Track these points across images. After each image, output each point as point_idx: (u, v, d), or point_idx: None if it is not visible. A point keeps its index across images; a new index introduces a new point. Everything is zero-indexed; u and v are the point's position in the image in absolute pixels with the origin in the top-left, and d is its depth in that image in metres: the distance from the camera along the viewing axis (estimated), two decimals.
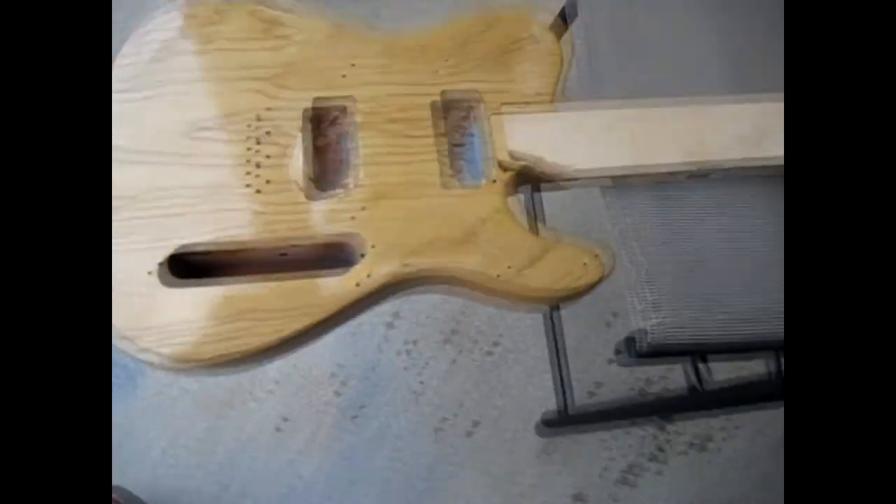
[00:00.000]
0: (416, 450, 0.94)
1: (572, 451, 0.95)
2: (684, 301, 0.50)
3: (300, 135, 0.51)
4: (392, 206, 0.49)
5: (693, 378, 0.62)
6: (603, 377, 0.99)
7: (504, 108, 0.53)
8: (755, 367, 0.57)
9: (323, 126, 0.53)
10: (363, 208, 0.49)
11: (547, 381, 0.96)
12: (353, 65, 0.54)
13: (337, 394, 0.96)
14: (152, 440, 0.92)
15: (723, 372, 0.64)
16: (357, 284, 0.47)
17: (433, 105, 0.53)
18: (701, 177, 0.54)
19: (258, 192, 0.49)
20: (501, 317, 1.01)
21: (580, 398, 0.97)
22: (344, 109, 0.53)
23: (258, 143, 0.50)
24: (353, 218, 0.48)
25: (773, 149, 0.54)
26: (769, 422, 0.97)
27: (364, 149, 0.51)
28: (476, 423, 0.96)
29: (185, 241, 0.46)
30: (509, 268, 0.48)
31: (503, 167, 0.51)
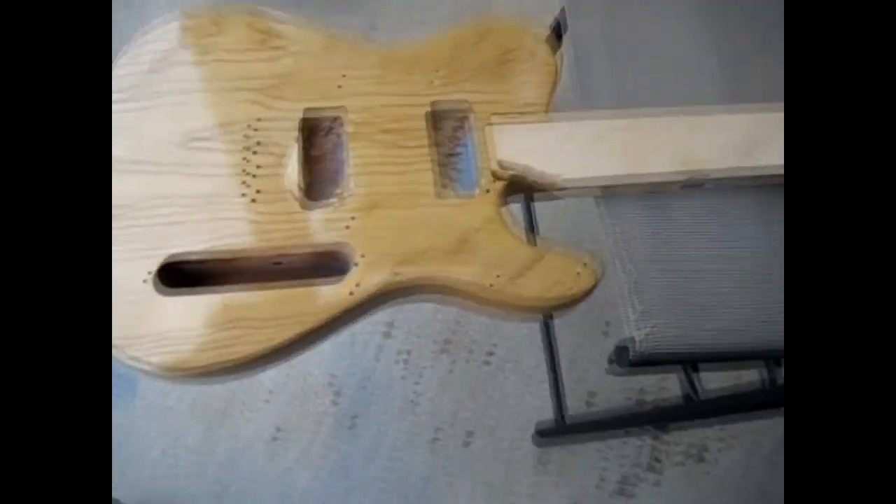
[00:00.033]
0: (411, 460, 0.94)
1: (568, 461, 0.95)
2: (675, 310, 0.50)
3: (295, 145, 0.51)
4: (385, 215, 0.49)
5: (687, 387, 0.63)
6: (599, 386, 0.99)
7: (496, 119, 0.53)
8: (749, 376, 0.57)
9: (317, 136, 0.54)
10: (356, 218, 0.49)
11: (543, 390, 0.96)
12: (347, 75, 0.54)
13: (332, 403, 0.96)
14: (150, 447, 0.92)
15: (718, 381, 0.65)
16: (350, 293, 0.47)
17: (426, 115, 0.53)
18: (693, 186, 0.54)
19: (253, 201, 0.49)
20: (497, 326, 1.01)
21: (576, 407, 0.97)
22: (338, 120, 0.53)
23: (253, 153, 0.51)
24: (346, 227, 0.49)
25: (764, 158, 0.54)
26: (765, 432, 0.97)
27: (357, 159, 0.51)
28: (471, 434, 0.95)
29: (178, 250, 0.47)
30: (500, 277, 0.48)
31: (496, 177, 0.52)
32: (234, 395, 0.96)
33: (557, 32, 0.65)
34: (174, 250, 0.47)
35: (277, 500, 0.91)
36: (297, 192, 0.50)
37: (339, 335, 1.00)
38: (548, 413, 0.94)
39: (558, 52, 0.59)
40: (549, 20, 0.67)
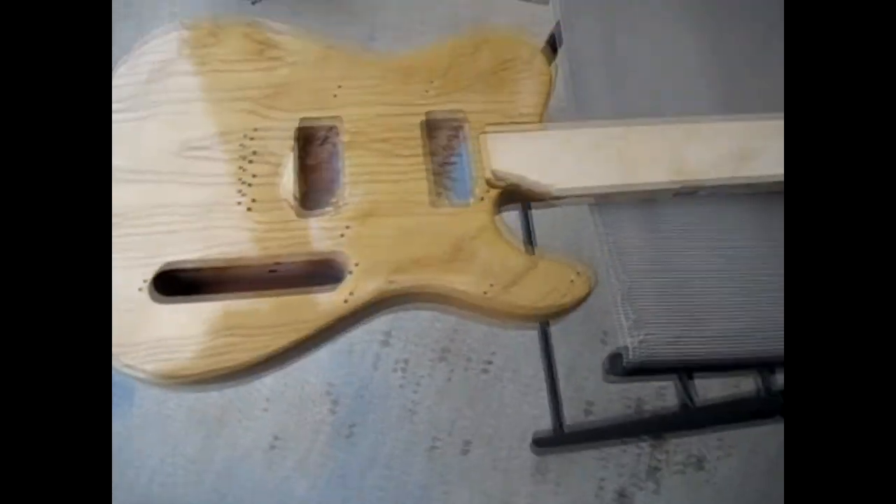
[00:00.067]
0: (409, 468, 0.93)
1: (567, 469, 0.95)
2: (669, 318, 0.50)
3: (291, 154, 0.52)
4: (380, 224, 0.50)
5: (683, 395, 0.63)
6: (597, 395, 0.99)
7: (491, 128, 0.54)
8: (748, 385, 0.57)
9: (313, 145, 0.54)
10: (350, 226, 0.49)
11: (541, 398, 0.96)
12: (343, 85, 0.55)
13: (330, 412, 0.96)
14: (148, 455, 0.92)
15: (717, 390, 0.65)
16: (344, 301, 0.47)
17: (422, 125, 0.54)
18: (688, 194, 0.55)
19: (249, 210, 0.49)
20: (495, 335, 1.01)
21: (575, 416, 0.97)
22: (333, 129, 0.53)
23: (250, 161, 0.51)
24: (341, 235, 0.49)
25: (758, 167, 0.55)
26: (764, 440, 0.97)
27: (353, 168, 0.52)
28: (469, 442, 0.95)
29: (174, 259, 0.47)
30: (494, 285, 0.48)
31: (490, 185, 0.52)
32: (231, 403, 0.96)
33: (553, 45, 0.65)
34: (170, 259, 0.47)
35: None
36: (292, 201, 0.50)
37: (337, 343, 1.00)
38: (546, 421, 0.94)
39: (553, 63, 0.59)
40: (545, 33, 0.67)
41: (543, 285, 0.49)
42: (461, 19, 1.29)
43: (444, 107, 0.55)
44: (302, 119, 0.53)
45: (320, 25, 1.26)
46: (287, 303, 0.47)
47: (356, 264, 0.48)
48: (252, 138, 0.52)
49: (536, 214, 0.99)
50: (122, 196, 0.49)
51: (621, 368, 0.49)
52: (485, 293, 0.48)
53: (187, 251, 0.48)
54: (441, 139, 0.55)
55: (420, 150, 0.53)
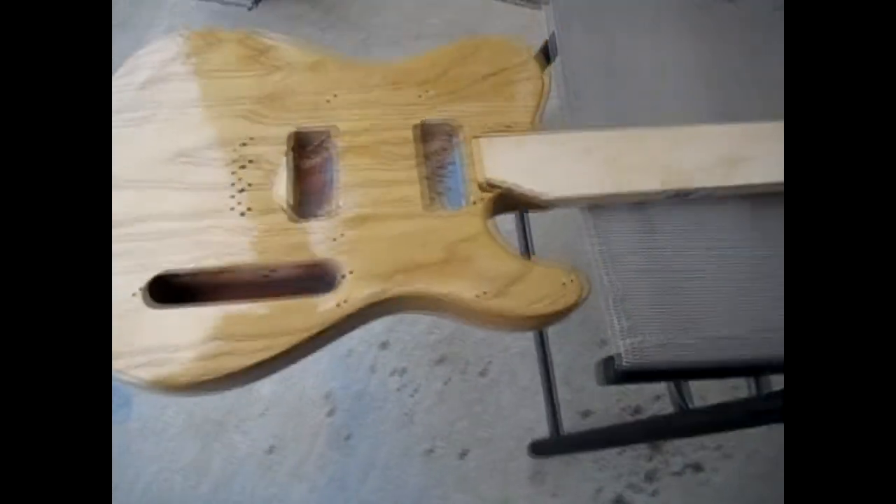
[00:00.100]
0: (406, 473, 0.94)
1: (565, 473, 0.95)
2: (661, 323, 0.50)
3: (284, 160, 0.52)
4: (373, 230, 0.50)
5: (678, 400, 0.63)
6: (595, 399, 0.99)
7: (483, 134, 0.54)
8: (745, 389, 0.57)
9: (307, 152, 0.54)
10: (344, 233, 0.50)
11: (539, 403, 0.96)
12: (337, 92, 0.55)
13: (328, 417, 0.96)
14: (146, 462, 0.92)
15: (714, 393, 0.65)
16: (337, 307, 0.47)
17: (415, 131, 0.54)
18: (680, 197, 0.55)
19: (242, 216, 0.50)
20: (492, 340, 1.02)
21: (573, 420, 0.97)
22: (327, 136, 0.54)
23: (243, 168, 0.52)
24: (334, 241, 0.49)
25: (749, 172, 0.55)
26: (763, 443, 0.97)
27: (347, 174, 0.52)
28: (467, 446, 0.95)
29: (168, 266, 0.47)
30: (487, 290, 0.48)
31: (483, 190, 0.52)
32: (230, 408, 0.96)
33: (546, 54, 0.66)
34: (164, 265, 0.47)
35: None
36: (286, 208, 0.50)
37: (335, 348, 1.01)
38: (543, 425, 0.94)
39: (546, 70, 0.59)
40: (541, 38, 0.68)
41: (536, 290, 0.49)
42: (457, 26, 1.30)
43: (437, 113, 0.55)
44: (296, 126, 0.53)
45: (317, 33, 1.27)
46: (281, 309, 0.47)
47: (350, 271, 0.48)
48: (246, 145, 0.53)
49: (533, 218, 1.00)
50: (117, 203, 0.49)
51: (613, 373, 0.49)
52: (477, 298, 0.48)
53: (181, 258, 0.48)
54: (435, 145, 0.56)
55: (413, 156, 0.53)
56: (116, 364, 0.43)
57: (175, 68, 0.55)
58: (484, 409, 0.98)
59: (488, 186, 0.52)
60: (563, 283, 0.49)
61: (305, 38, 1.26)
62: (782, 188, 0.54)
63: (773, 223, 0.55)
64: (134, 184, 0.50)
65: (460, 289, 0.48)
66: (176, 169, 0.51)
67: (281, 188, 0.51)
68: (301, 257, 0.49)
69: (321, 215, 0.51)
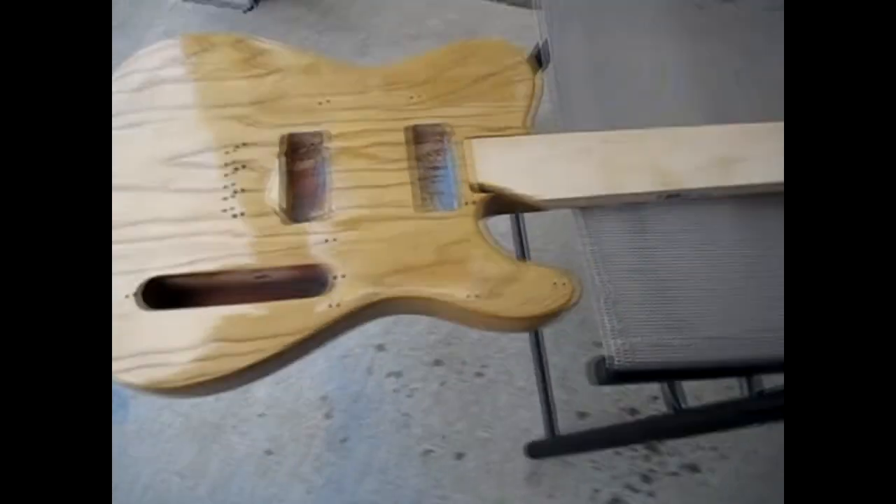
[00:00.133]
0: (404, 474, 0.94)
1: (562, 474, 0.95)
2: (652, 324, 0.50)
3: (277, 163, 0.52)
4: (365, 232, 0.50)
5: (671, 400, 0.63)
6: (591, 401, 0.99)
7: (476, 136, 0.54)
8: (735, 392, 0.57)
9: (300, 155, 0.55)
10: (336, 235, 0.50)
11: (535, 404, 0.96)
12: (329, 95, 0.56)
13: (325, 419, 0.97)
14: (143, 464, 0.93)
15: (709, 393, 0.65)
16: (331, 308, 0.48)
17: (407, 133, 0.54)
18: (674, 197, 0.55)
19: (235, 218, 0.50)
20: (489, 341, 1.02)
21: (569, 421, 0.97)
22: (320, 139, 0.54)
23: (236, 171, 0.52)
24: (326, 243, 0.50)
25: (742, 173, 0.55)
26: (760, 443, 0.97)
27: (339, 177, 0.52)
28: (464, 447, 0.95)
29: (162, 269, 0.48)
30: (479, 291, 0.48)
31: (475, 192, 0.53)
32: (227, 411, 0.96)
33: (539, 59, 0.66)
34: (157, 269, 0.48)
35: None
36: (279, 211, 0.51)
37: (332, 351, 1.01)
38: (540, 426, 0.94)
39: (538, 74, 0.60)
40: (532, 48, 0.68)
41: (528, 292, 0.49)
42: (455, 29, 1.30)
43: (429, 116, 0.55)
44: (289, 129, 0.53)
45: (314, 36, 1.27)
46: (274, 311, 0.47)
47: (342, 273, 0.48)
48: (239, 148, 0.53)
49: (531, 219, 1.00)
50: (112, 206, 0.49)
51: (605, 374, 0.50)
52: (469, 300, 0.49)
53: (175, 261, 0.48)
54: (427, 147, 0.56)
55: (406, 159, 0.54)
56: (112, 367, 0.44)
57: (169, 72, 0.56)
58: (481, 410, 0.98)
59: (480, 189, 0.52)
60: (555, 285, 0.50)
61: (302, 41, 1.27)
62: (776, 189, 0.54)
63: (766, 224, 0.56)
64: (128, 187, 0.51)
65: (452, 290, 0.49)
66: (170, 172, 0.52)
67: (274, 191, 0.51)
68: (294, 260, 0.49)
69: (314, 218, 0.51)
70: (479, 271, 0.49)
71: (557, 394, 0.97)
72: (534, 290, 0.49)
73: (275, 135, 0.53)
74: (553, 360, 0.99)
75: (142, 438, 0.94)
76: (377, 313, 0.50)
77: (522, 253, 0.98)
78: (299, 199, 0.53)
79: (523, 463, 0.95)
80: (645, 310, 0.51)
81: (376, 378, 0.99)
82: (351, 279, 0.48)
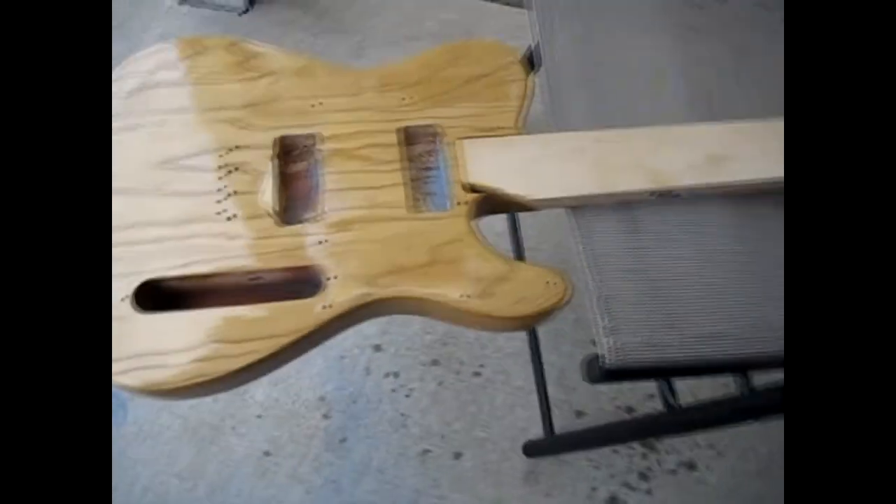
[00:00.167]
0: (402, 475, 0.94)
1: (559, 472, 0.95)
2: (644, 322, 0.51)
3: (271, 166, 0.53)
4: (359, 233, 0.51)
5: (666, 398, 0.63)
6: (588, 400, 0.99)
7: (467, 137, 0.55)
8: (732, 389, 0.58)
9: (293, 157, 0.55)
10: (329, 237, 0.50)
11: (532, 403, 0.97)
12: (322, 98, 0.56)
13: (323, 419, 0.97)
14: (142, 466, 0.93)
15: (707, 391, 0.65)
16: (323, 309, 0.48)
17: (399, 135, 0.55)
18: (666, 196, 0.55)
19: (229, 221, 0.50)
20: (486, 341, 1.02)
21: (567, 420, 0.97)
22: (313, 141, 0.54)
23: (230, 174, 0.52)
24: (319, 244, 0.50)
25: (733, 170, 0.55)
26: (758, 440, 0.97)
27: (332, 179, 0.53)
28: (462, 447, 0.96)
29: (156, 272, 0.48)
30: (472, 291, 0.49)
31: (468, 193, 0.53)
32: (225, 413, 0.96)
33: (531, 61, 0.66)
34: (152, 271, 0.48)
35: None
36: (272, 213, 0.51)
37: (329, 352, 1.02)
38: (537, 425, 0.94)
39: (530, 76, 0.60)
40: (532, 44, 0.68)
41: (521, 291, 0.49)
42: (451, 30, 1.30)
43: (421, 117, 0.56)
44: (282, 132, 0.54)
45: (310, 38, 1.28)
46: (269, 312, 0.48)
47: (335, 274, 0.49)
48: (233, 151, 0.53)
49: (525, 218, 1.01)
50: None
51: (598, 372, 0.50)
52: (462, 299, 0.49)
53: (169, 264, 0.48)
54: (419, 148, 0.56)
55: (398, 160, 0.54)
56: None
57: (162, 76, 0.56)
58: (478, 409, 0.98)
59: (472, 189, 0.53)
60: (548, 284, 0.50)
61: (298, 44, 1.27)
62: (769, 185, 0.55)
63: (760, 221, 0.56)
64: (123, 191, 0.51)
65: (445, 290, 0.49)
66: (164, 176, 0.52)
67: (267, 194, 0.51)
68: (287, 262, 0.50)
69: (307, 220, 0.52)
70: (472, 271, 0.50)
71: (555, 393, 0.97)
72: (527, 289, 0.50)
73: (268, 137, 0.54)
74: (550, 358, 0.99)
75: (141, 440, 0.94)
76: (371, 314, 0.51)
77: (518, 252, 0.98)
78: (292, 202, 0.53)
79: (521, 462, 0.95)
80: (638, 308, 0.52)
81: (374, 378, 1.00)
82: (344, 280, 0.49)
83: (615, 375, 0.50)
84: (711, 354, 0.51)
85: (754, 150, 0.56)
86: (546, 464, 0.95)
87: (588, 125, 0.60)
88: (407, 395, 0.99)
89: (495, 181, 0.53)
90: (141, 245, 0.49)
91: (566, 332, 1.03)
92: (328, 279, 0.49)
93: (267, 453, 0.94)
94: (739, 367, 0.53)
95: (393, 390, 0.99)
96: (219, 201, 0.51)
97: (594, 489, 0.94)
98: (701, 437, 0.98)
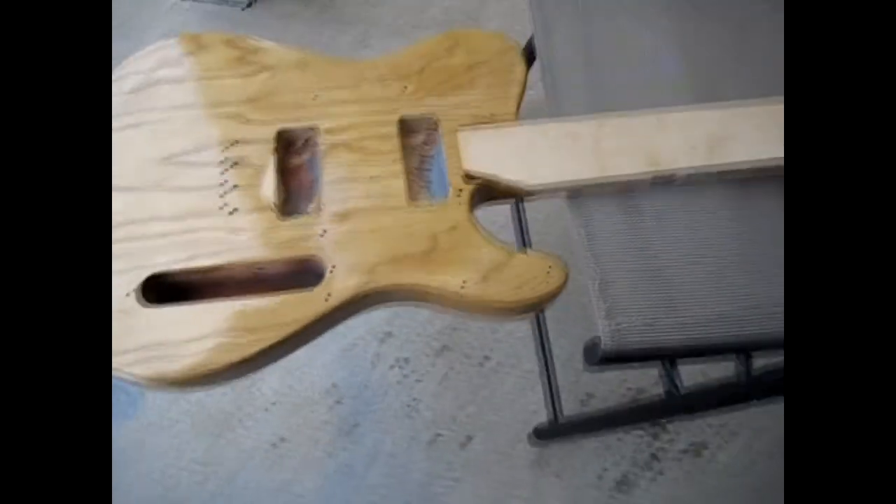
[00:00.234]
0: (412, 462, 0.95)
1: (567, 458, 0.96)
2: (643, 305, 0.51)
3: (271, 160, 0.53)
4: (359, 224, 0.51)
5: (668, 381, 0.64)
6: (596, 385, 1.00)
7: (466, 126, 0.55)
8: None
9: (294, 149, 0.56)
10: (330, 228, 0.51)
11: (540, 390, 0.97)
12: (321, 90, 0.56)
13: (333, 409, 0.98)
14: (156, 457, 0.95)
15: (714, 373, 0.65)
16: (325, 300, 0.49)
17: (398, 125, 0.55)
18: (664, 181, 0.55)
19: (231, 215, 0.51)
20: (493, 329, 1.03)
21: (576, 405, 0.98)
22: (313, 133, 0.55)
23: (231, 168, 0.53)
24: (321, 236, 0.51)
25: (731, 153, 0.55)
26: (765, 425, 0.97)
27: (332, 170, 0.53)
28: (471, 434, 0.97)
29: (161, 266, 0.49)
30: (470, 279, 0.49)
31: (466, 181, 0.53)
32: (236, 405, 0.98)
33: (530, 51, 0.66)
34: (157, 266, 0.49)
35: (283, 502, 0.93)
36: (273, 207, 0.52)
37: (338, 342, 1.03)
38: (545, 413, 0.95)
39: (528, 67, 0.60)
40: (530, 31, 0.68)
41: (518, 278, 0.50)
42: (454, 16, 1.30)
43: (419, 107, 0.56)
44: (281, 125, 0.54)
45: (313, 30, 1.28)
46: (271, 303, 0.48)
47: (336, 265, 0.49)
48: (234, 146, 0.54)
49: (531, 205, 1.01)
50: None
51: (598, 356, 0.50)
52: (462, 287, 0.50)
53: (173, 258, 0.49)
54: (418, 138, 0.57)
55: (397, 150, 0.54)
56: (115, 362, 0.45)
57: (164, 73, 0.57)
58: (488, 394, 0.99)
59: (471, 177, 0.53)
60: (548, 270, 0.50)
61: (301, 36, 1.27)
62: (768, 167, 0.55)
63: (759, 202, 0.56)
64: (127, 188, 0.52)
65: (445, 278, 0.50)
66: (166, 171, 0.53)
67: (268, 187, 0.52)
68: (289, 253, 0.50)
69: (308, 212, 0.53)
70: (471, 259, 0.50)
71: (563, 376, 0.97)
72: (526, 275, 0.50)
73: (268, 131, 0.54)
74: (559, 342, 0.99)
75: (155, 432, 0.96)
76: (373, 303, 0.51)
77: (523, 239, 0.98)
78: (293, 194, 0.54)
79: (529, 449, 0.96)
80: (637, 291, 0.52)
81: (384, 365, 1.01)
82: (345, 270, 0.49)
83: (614, 359, 0.50)
84: (711, 337, 0.51)
85: (754, 133, 0.56)
86: (555, 449, 0.96)
87: (586, 110, 0.60)
88: (417, 381, 1.00)
89: (493, 169, 0.53)
90: (145, 240, 0.50)
91: (575, 318, 1.03)
92: (330, 270, 0.49)
93: (281, 440, 0.96)
94: (740, 350, 0.53)
95: (403, 377, 1.00)
96: (221, 195, 0.52)
97: (604, 471, 0.95)
98: (711, 419, 0.98)
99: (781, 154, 0.54)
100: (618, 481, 0.94)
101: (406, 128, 0.56)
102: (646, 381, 1.00)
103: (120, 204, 0.51)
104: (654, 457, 0.96)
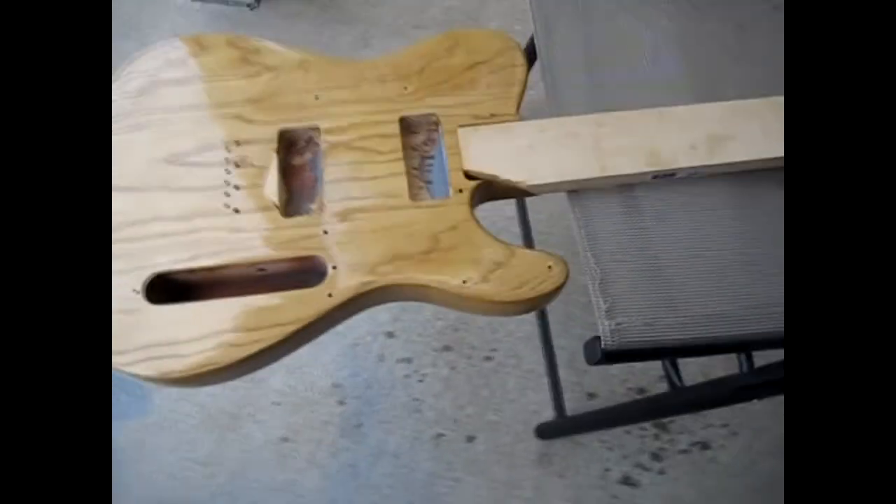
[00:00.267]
0: (416, 458, 0.96)
1: (572, 454, 0.96)
2: (644, 303, 0.51)
3: (274, 159, 0.54)
4: (361, 222, 0.52)
5: (671, 377, 0.64)
6: (600, 382, 1.00)
7: (466, 124, 0.55)
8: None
9: (297, 149, 0.56)
10: (332, 227, 0.51)
11: (544, 387, 0.98)
12: (323, 90, 0.57)
13: (339, 406, 0.99)
14: (162, 456, 0.96)
15: (719, 369, 0.65)
16: (328, 297, 0.49)
17: (400, 124, 0.56)
18: (665, 177, 0.56)
19: (234, 215, 0.52)
20: (497, 326, 1.03)
21: (579, 402, 0.98)
22: (315, 133, 0.56)
23: (234, 168, 0.54)
24: (323, 235, 0.51)
25: (731, 151, 0.55)
26: (769, 420, 0.97)
27: (334, 170, 0.54)
28: (475, 430, 0.97)
29: (165, 265, 0.49)
30: (472, 276, 0.50)
31: (467, 180, 0.54)
32: (243, 402, 0.99)
33: (531, 51, 0.66)
34: (161, 265, 0.50)
35: (287, 500, 0.94)
36: (276, 206, 0.52)
37: (343, 339, 1.03)
38: (549, 407, 0.96)
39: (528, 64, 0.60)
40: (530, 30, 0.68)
41: (519, 276, 0.50)
42: (455, 16, 1.30)
43: (420, 107, 0.57)
44: (283, 126, 0.55)
45: (316, 29, 1.28)
46: (274, 302, 0.49)
47: (339, 263, 0.50)
48: (237, 146, 0.54)
49: (536, 204, 1.01)
50: (115, 207, 0.51)
51: (598, 354, 0.51)
52: (463, 285, 0.50)
53: (178, 257, 0.50)
54: (419, 137, 0.57)
55: (399, 149, 0.55)
56: (120, 360, 0.46)
57: (166, 74, 0.57)
58: (491, 393, 1.00)
59: (472, 176, 0.54)
60: (549, 267, 0.51)
61: (305, 35, 1.28)
62: (768, 164, 0.55)
63: (760, 200, 0.56)
64: (130, 188, 0.52)
65: (446, 276, 0.50)
66: (170, 172, 0.53)
67: (271, 187, 0.53)
68: (291, 252, 0.51)
69: (310, 211, 0.53)
70: (472, 257, 0.51)
71: (566, 375, 0.98)
72: (527, 273, 0.51)
73: (270, 131, 0.55)
74: (562, 342, 1.00)
75: (162, 429, 0.97)
76: (375, 301, 0.52)
77: (526, 237, 0.99)
78: (296, 194, 0.54)
79: (534, 444, 0.97)
80: (637, 290, 0.52)
81: (387, 365, 1.02)
82: (347, 269, 0.50)
83: (615, 357, 0.50)
84: (711, 335, 0.51)
85: (754, 130, 0.56)
86: (559, 445, 0.97)
87: (587, 110, 0.60)
88: (420, 381, 1.00)
89: (494, 168, 0.54)
90: (150, 240, 0.50)
91: (577, 315, 1.04)
92: (332, 268, 0.50)
93: (285, 439, 0.97)
94: (740, 347, 0.53)
95: (406, 376, 1.01)
96: (224, 195, 0.52)
97: (607, 470, 0.95)
98: (714, 417, 0.98)
99: (782, 153, 0.54)
100: (622, 477, 0.95)
101: (407, 127, 0.56)
102: (647, 380, 1.00)
103: (122, 204, 0.51)
104: (655, 456, 0.96)
